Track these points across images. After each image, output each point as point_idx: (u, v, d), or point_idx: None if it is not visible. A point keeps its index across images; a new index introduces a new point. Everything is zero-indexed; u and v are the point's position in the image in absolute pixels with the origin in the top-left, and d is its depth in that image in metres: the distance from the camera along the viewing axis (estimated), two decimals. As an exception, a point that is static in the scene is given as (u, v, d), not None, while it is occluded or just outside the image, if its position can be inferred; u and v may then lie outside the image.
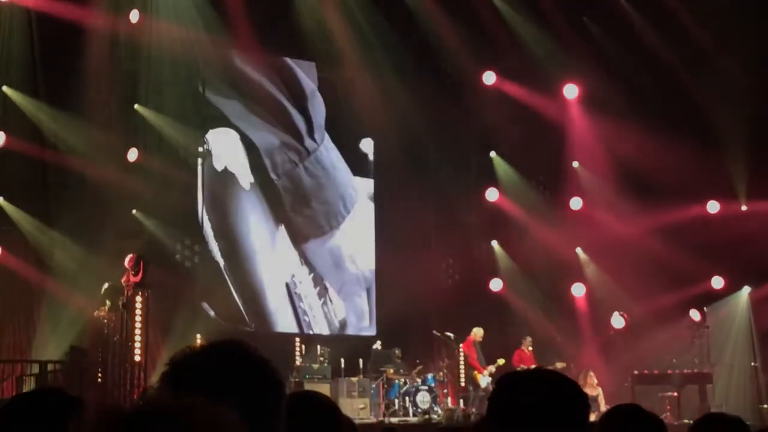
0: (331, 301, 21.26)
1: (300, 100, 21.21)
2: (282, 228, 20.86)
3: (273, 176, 20.72)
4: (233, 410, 1.42)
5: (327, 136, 21.55)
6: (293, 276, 20.82)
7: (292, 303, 20.75)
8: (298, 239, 20.96)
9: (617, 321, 20.24)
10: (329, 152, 21.56)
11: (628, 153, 20.69)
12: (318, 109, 21.39)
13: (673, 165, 19.71)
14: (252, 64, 20.80)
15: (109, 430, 1.14)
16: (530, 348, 19.28)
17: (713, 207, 21.46)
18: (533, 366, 18.19)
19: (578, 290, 21.99)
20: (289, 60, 21.50)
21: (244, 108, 20.67)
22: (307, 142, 21.20)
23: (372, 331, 21.33)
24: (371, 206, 22.23)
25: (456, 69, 22.46)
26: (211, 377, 1.98)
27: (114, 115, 18.95)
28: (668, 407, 18.71)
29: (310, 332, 20.57)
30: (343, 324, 21.36)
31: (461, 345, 19.25)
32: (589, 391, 17.91)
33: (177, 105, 19.65)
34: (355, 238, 21.87)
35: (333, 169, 21.57)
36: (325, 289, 21.22)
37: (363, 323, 21.65)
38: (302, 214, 21.05)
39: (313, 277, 21.07)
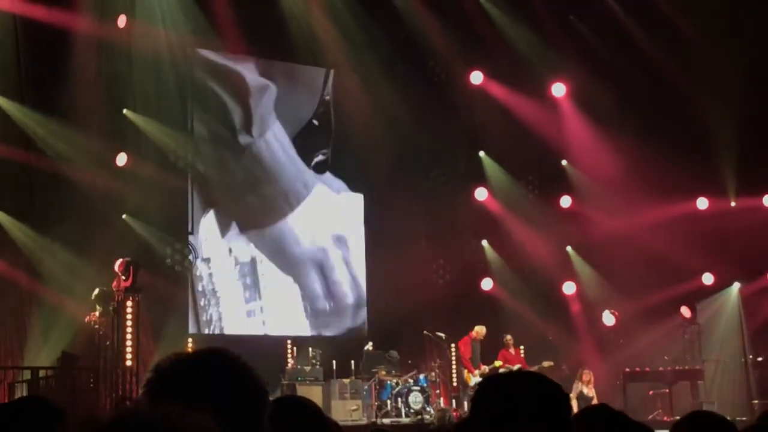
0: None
1: (240, 95, 21.13)
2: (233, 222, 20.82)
3: (201, 168, 20.66)
4: (215, 418, 1.43)
5: (276, 131, 21.41)
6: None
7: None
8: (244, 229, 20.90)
9: (608, 319, 20.28)
10: (271, 147, 21.40)
11: (617, 151, 20.74)
12: (265, 104, 21.31)
13: (662, 162, 19.74)
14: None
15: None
16: (512, 346, 19.26)
17: (702, 203, 21.53)
18: (517, 365, 18.25)
19: (569, 288, 22.04)
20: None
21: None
22: (241, 136, 21.09)
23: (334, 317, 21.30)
24: (359, 206, 22.24)
25: (443, 68, 22.52)
26: (195, 385, 2.00)
27: (102, 120, 18.90)
28: (660, 404, 18.76)
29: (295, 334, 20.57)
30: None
31: (458, 342, 19.25)
32: (586, 389, 17.96)
33: (165, 109, 19.65)
34: (335, 234, 21.90)
35: (275, 163, 21.42)
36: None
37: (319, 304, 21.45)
38: (239, 205, 20.93)
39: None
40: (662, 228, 20.22)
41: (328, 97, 22.03)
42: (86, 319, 16.20)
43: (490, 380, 2.78)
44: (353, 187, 22.29)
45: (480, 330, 19.12)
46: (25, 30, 17.94)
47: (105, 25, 18.75)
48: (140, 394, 2.06)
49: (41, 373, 15.94)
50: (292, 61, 21.61)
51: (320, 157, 21.99)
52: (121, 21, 18.99)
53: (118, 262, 16.01)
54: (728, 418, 3.88)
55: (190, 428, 1.16)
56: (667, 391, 18.92)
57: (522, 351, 19.89)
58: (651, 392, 19.39)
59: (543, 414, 2.57)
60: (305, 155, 21.77)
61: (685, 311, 20.15)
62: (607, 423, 3.21)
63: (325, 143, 22.04)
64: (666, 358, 19.94)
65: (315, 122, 21.98)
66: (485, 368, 18.64)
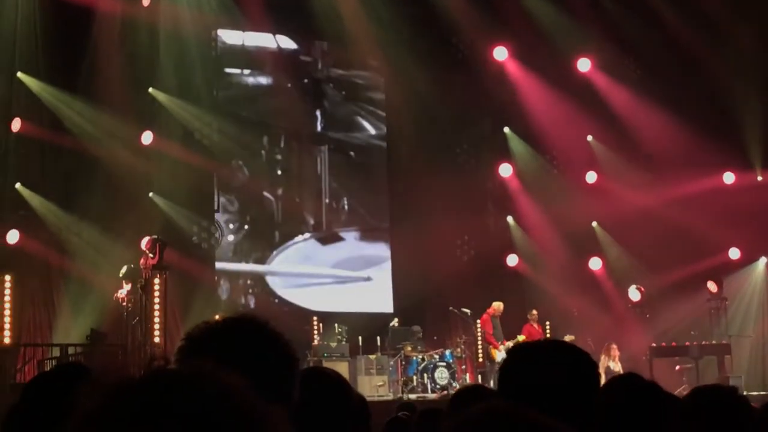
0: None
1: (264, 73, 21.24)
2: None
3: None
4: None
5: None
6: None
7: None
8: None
9: (634, 294, 20.22)
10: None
11: (643, 125, 20.63)
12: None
13: (688, 136, 19.65)
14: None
15: (117, 394, 1.18)
16: (537, 321, 19.24)
17: (729, 178, 21.40)
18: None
19: (594, 264, 21.98)
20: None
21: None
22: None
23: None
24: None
25: (467, 44, 22.42)
26: (225, 351, 2.03)
27: (128, 99, 18.99)
28: (686, 379, 18.71)
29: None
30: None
31: (478, 320, 19.27)
32: (612, 364, 17.93)
33: (190, 88, 19.72)
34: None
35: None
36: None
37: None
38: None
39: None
40: (688, 203, 20.11)
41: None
42: (114, 297, 16.33)
43: (519, 349, 2.80)
44: (378, 164, 22.33)
45: (497, 306, 19.10)
46: (52, 10, 18.01)
47: (130, 4, 18.81)
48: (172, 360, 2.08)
49: (70, 350, 16.08)
50: (315, 39, 21.61)
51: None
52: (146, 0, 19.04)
53: (145, 239, 16.11)
54: (755, 392, 3.87)
55: (223, 383, 1.18)
56: (694, 365, 18.87)
57: (547, 326, 19.88)
58: (678, 367, 19.34)
59: (571, 382, 2.57)
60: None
61: (712, 286, 20.07)
62: (638, 392, 3.21)
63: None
64: (692, 333, 19.88)
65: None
66: (509, 344, 18.61)
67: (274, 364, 2.06)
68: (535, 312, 19.31)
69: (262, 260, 20.80)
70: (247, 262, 20.70)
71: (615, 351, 18.29)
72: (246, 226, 20.84)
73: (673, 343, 19.51)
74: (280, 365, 2.08)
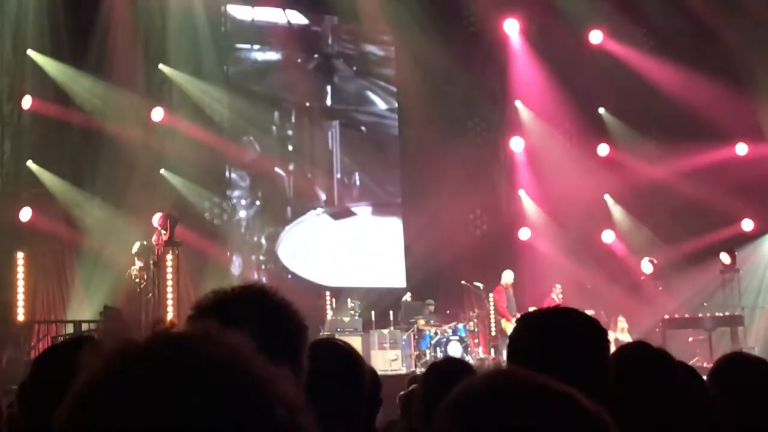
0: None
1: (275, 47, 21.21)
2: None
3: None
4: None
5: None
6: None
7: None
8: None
9: (646, 267, 20.18)
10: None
11: (656, 97, 20.53)
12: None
13: (701, 107, 19.56)
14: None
15: (120, 357, 1.17)
16: (560, 296, 19.26)
17: (742, 149, 21.29)
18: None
19: (607, 236, 21.94)
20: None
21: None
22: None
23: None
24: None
25: (478, 17, 22.32)
26: (234, 318, 2.02)
27: (138, 75, 19.00)
28: (699, 351, 18.70)
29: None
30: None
31: (491, 293, 19.26)
32: (620, 335, 17.92)
33: (201, 63, 19.70)
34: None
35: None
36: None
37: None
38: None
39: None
40: (701, 174, 20.03)
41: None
42: (127, 274, 16.38)
43: (529, 317, 2.79)
44: (389, 138, 22.29)
45: (508, 276, 19.07)
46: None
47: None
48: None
49: (84, 327, 16.15)
50: (325, 14, 21.55)
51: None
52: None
53: (157, 216, 16.13)
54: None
55: (228, 343, 1.17)
56: (707, 337, 18.85)
57: (560, 299, 19.86)
58: (691, 339, 19.33)
59: (580, 349, 2.56)
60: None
61: (725, 258, 20.02)
62: (648, 360, 3.20)
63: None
64: (705, 304, 19.85)
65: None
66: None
67: (282, 331, 2.05)
68: (558, 286, 19.26)
69: (274, 236, 20.82)
70: (259, 238, 20.73)
71: (622, 323, 18.28)
72: (257, 202, 20.85)
73: (686, 315, 19.49)
74: (288, 332, 2.07)
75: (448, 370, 3.90)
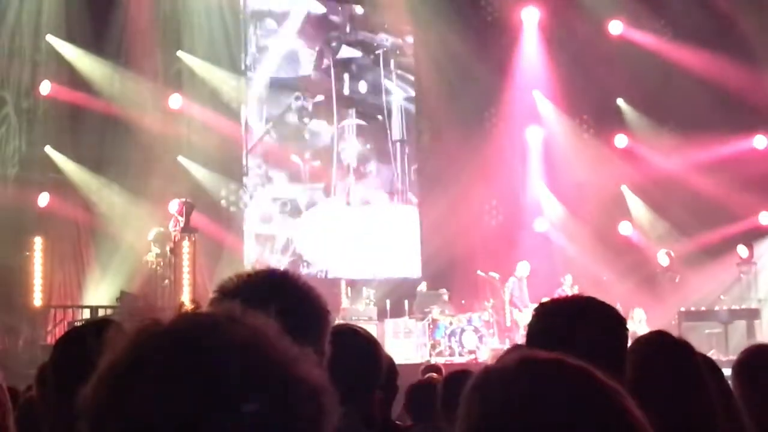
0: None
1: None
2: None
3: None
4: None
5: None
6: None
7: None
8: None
9: (663, 259, 20.13)
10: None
11: (674, 88, 20.44)
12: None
13: (719, 100, 19.46)
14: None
15: (147, 337, 1.18)
16: (574, 287, 19.22)
17: (761, 141, 21.19)
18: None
19: (624, 228, 21.88)
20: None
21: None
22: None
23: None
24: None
25: (497, 6, 22.28)
26: (256, 301, 2.02)
27: (156, 62, 19.04)
28: (715, 344, 18.65)
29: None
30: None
31: (506, 284, 19.25)
32: (637, 328, 17.86)
33: (219, 50, 19.72)
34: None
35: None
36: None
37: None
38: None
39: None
40: (719, 166, 19.94)
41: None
42: (144, 260, 16.44)
43: (547, 305, 2.78)
44: (405, 127, 22.27)
45: (522, 267, 19.07)
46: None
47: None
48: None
49: (100, 311, 16.22)
50: (343, 2, 21.54)
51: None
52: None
53: (174, 203, 16.18)
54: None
55: (253, 324, 1.18)
56: (723, 330, 18.79)
57: (576, 291, 19.81)
58: (707, 331, 19.27)
59: (599, 337, 2.56)
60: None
61: (742, 250, 19.94)
62: (668, 349, 3.19)
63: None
64: (722, 297, 19.79)
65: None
66: (534, 306, 18.52)
67: (305, 315, 2.06)
68: (569, 277, 19.27)
69: (289, 224, 20.82)
70: (274, 225, 20.73)
71: (640, 314, 18.24)
72: (273, 190, 20.83)
73: (703, 308, 19.43)
74: (311, 316, 2.08)
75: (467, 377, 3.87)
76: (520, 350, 1.61)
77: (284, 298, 2.04)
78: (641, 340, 3.25)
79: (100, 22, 18.21)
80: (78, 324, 14.65)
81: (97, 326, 2.95)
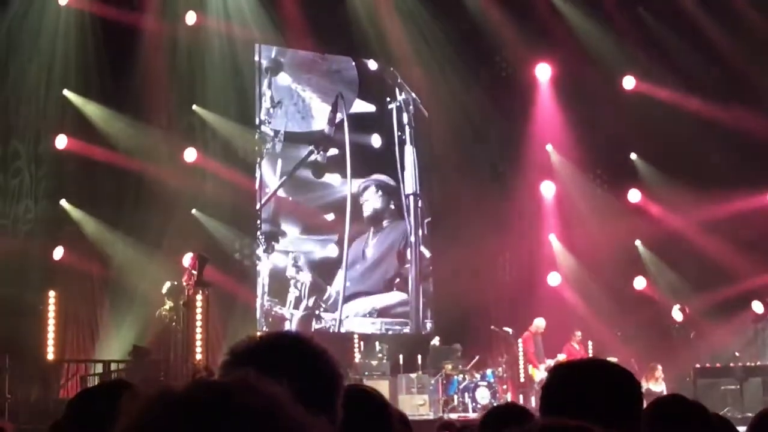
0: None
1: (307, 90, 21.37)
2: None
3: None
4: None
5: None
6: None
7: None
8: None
9: (677, 314, 20.03)
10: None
11: (687, 143, 20.47)
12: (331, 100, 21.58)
13: (732, 155, 19.47)
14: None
15: (160, 405, 1.18)
16: (580, 342, 19.12)
17: (774, 197, 21.17)
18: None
19: (638, 283, 21.80)
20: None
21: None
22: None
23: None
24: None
25: (510, 62, 22.42)
26: (269, 365, 2.02)
27: (172, 116, 19.20)
28: (730, 401, 18.48)
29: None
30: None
31: (520, 339, 19.16)
32: (654, 385, 17.73)
33: (234, 104, 19.85)
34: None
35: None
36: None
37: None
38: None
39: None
40: (733, 221, 19.90)
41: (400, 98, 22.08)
42: (157, 313, 16.42)
43: (562, 368, 2.77)
44: (419, 180, 22.31)
45: (539, 323, 19.00)
46: (97, 28, 18.28)
47: (174, 23, 19.00)
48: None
49: (113, 366, 16.20)
50: (358, 57, 21.69)
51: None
52: (190, 18, 19.22)
53: (188, 256, 16.19)
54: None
55: (267, 394, 1.18)
56: (739, 387, 18.63)
57: (590, 347, 19.72)
58: (722, 388, 19.10)
59: (614, 402, 2.55)
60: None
61: (758, 306, 19.83)
62: (683, 413, 3.17)
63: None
64: (737, 354, 19.64)
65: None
66: (550, 362, 18.44)
67: (318, 379, 2.05)
68: (579, 333, 19.19)
69: (303, 278, 20.77)
70: (287, 279, 20.68)
71: (657, 372, 18.10)
72: (286, 244, 20.82)
73: (718, 365, 19.27)
74: (324, 380, 2.08)
75: (506, 415, 3.85)
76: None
77: (297, 362, 2.04)
78: (657, 403, 3.23)
79: (117, 76, 18.38)
80: (86, 380, 14.67)
81: (109, 388, 2.95)
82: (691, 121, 20.43)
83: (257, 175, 20.44)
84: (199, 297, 15.98)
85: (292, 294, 20.46)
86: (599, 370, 2.64)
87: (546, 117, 22.17)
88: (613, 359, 16.56)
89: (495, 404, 17.52)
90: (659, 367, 18.18)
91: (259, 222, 20.38)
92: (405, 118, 22.22)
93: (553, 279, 22.13)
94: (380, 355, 18.82)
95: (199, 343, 15.93)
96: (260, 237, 20.31)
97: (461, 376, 18.38)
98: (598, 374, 2.61)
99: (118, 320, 17.70)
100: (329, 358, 2.12)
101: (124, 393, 2.82)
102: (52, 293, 16.35)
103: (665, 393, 17.42)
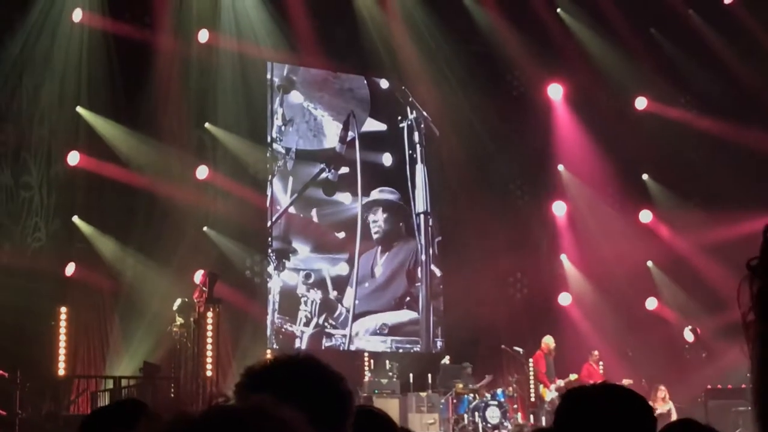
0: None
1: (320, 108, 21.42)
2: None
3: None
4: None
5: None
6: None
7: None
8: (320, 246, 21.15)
9: (688, 335, 19.95)
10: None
11: (699, 163, 20.45)
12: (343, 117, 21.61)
13: (745, 175, 19.43)
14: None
15: (177, 430, 1.18)
16: (600, 363, 19.09)
17: (787, 218, 21.08)
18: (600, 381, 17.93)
19: (649, 304, 21.74)
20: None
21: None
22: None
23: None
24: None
25: (522, 82, 22.45)
26: (283, 387, 2.04)
27: (185, 133, 19.24)
28: (742, 422, 18.38)
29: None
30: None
31: (531, 358, 19.11)
32: (659, 406, 17.67)
33: (246, 122, 19.90)
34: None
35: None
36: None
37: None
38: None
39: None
40: (745, 242, 19.79)
41: (411, 117, 22.08)
42: (167, 330, 16.44)
43: (575, 393, 2.77)
44: (429, 199, 22.31)
45: (548, 341, 18.93)
46: (111, 46, 18.35)
47: (187, 41, 19.07)
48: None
49: (123, 382, 16.20)
50: (369, 75, 21.74)
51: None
52: (203, 36, 19.30)
53: (199, 273, 16.21)
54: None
55: (283, 419, 1.18)
56: (751, 408, 18.50)
57: (601, 367, 19.66)
58: (734, 409, 19.00)
59: (626, 428, 2.54)
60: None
61: (769, 328, 19.70)
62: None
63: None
64: (749, 375, 19.47)
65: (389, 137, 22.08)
66: (560, 382, 18.40)
67: (331, 400, 2.07)
68: (596, 352, 19.16)
69: (313, 296, 20.78)
70: (297, 296, 20.69)
71: (662, 392, 18.05)
72: (298, 261, 20.83)
73: (729, 386, 19.18)
74: (336, 401, 2.09)
75: None
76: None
77: (309, 384, 2.05)
78: (670, 428, 3.22)
79: (129, 94, 18.44)
80: (104, 406, 14.67)
81: (119, 408, 2.96)
82: (703, 142, 20.43)
83: (268, 192, 20.46)
84: (209, 314, 15.98)
85: (303, 312, 20.44)
86: (613, 396, 2.63)
87: (558, 137, 22.18)
88: (628, 381, 16.54)
89: (507, 424, 17.56)
90: (662, 387, 18.12)
91: (270, 239, 20.39)
92: (416, 136, 22.21)
93: (564, 299, 22.08)
94: (390, 373, 18.78)
95: (209, 359, 15.93)
96: (271, 254, 20.32)
97: (472, 395, 18.33)
98: (612, 400, 2.61)
99: (128, 336, 17.72)
100: (341, 379, 2.13)
101: (138, 413, 2.83)
102: (63, 309, 16.36)
103: (673, 411, 17.43)
